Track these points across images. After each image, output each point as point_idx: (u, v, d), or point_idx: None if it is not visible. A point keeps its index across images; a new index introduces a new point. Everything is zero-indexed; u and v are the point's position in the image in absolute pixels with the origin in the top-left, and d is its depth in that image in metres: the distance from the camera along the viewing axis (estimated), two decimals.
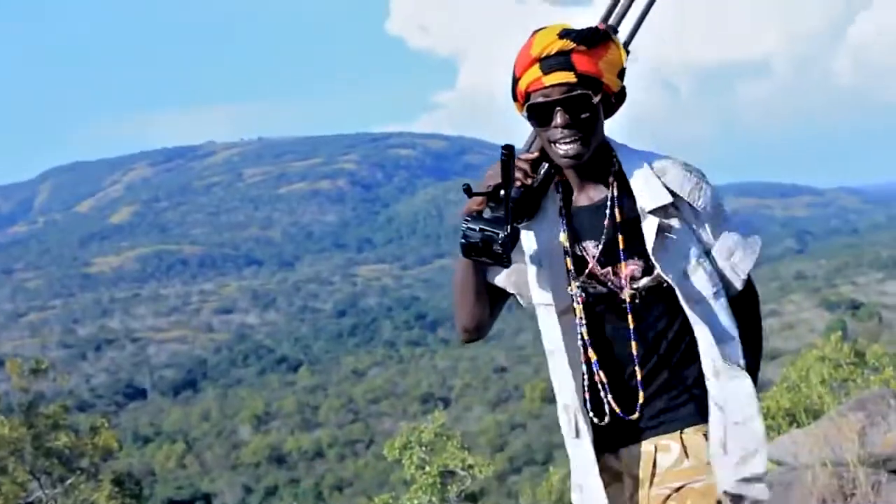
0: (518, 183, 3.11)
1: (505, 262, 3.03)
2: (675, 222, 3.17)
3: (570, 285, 3.21)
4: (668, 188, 3.15)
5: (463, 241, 3.02)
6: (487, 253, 3.00)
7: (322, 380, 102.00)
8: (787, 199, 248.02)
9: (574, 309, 3.21)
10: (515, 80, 3.15)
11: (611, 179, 3.19)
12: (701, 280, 3.18)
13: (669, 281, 3.15)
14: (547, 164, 3.21)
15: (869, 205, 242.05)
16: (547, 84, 3.07)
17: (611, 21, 3.36)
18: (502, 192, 3.03)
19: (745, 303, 3.30)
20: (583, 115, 3.07)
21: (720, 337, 3.17)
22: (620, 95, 3.18)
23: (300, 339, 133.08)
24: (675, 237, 3.17)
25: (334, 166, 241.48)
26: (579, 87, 3.06)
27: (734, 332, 3.20)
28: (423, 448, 18.78)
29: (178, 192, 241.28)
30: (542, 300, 3.25)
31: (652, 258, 3.14)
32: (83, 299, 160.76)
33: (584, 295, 3.20)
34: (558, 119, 3.07)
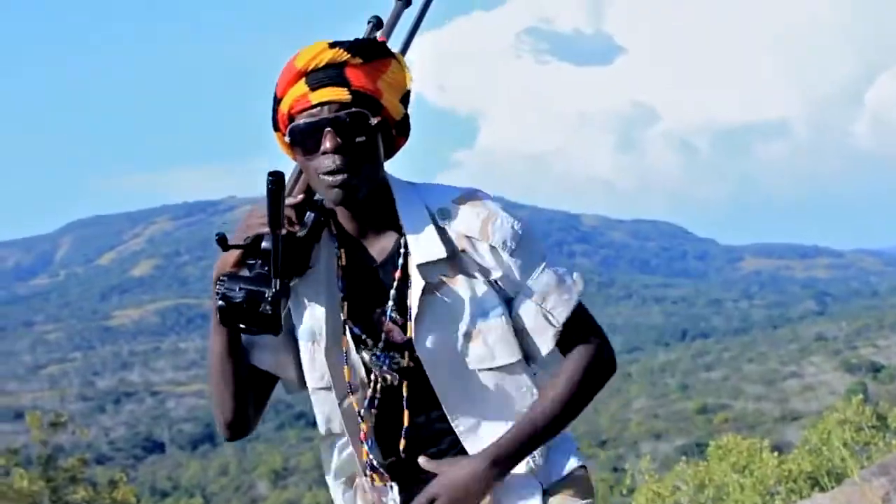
0: (283, 230, 2.47)
1: (275, 327, 2.44)
2: (457, 278, 2.60)
3: (356, 359, 2.65)
4: (451, 234, 2.60)
5: (221, 303, 2.43)
6: (253, 317, 2.42)
7: None
8: (808, 260, 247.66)
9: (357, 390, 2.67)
10: (277, 102, 2.58)
11: (400, 227, 2.62)
12: (487, 347, 2.61)
13: (420, 357, 2.59)
14: (315, 210, 2.63)
15: (889, 267, 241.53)
16: (315, 102, 2.50)
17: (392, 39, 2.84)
18: (264, 243, 2.49)
19: (580, 359, 2.64)
20: (358, 139, 2.50)
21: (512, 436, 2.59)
22: (403, 126, 2.63)
23: None
24: (448, 298, 2.59)
25: None
26: (354, 106, 2.50)
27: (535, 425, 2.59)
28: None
29: (198, 246, 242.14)
30: (314, 384, 2.69)
31: (410, 327, 2.59)
32: (103, 352, 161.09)
33: (382, 369, 2.64)
34: (327, 143, 2.48)
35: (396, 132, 2.62)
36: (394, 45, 2.75)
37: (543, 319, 2.61)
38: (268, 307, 2.41)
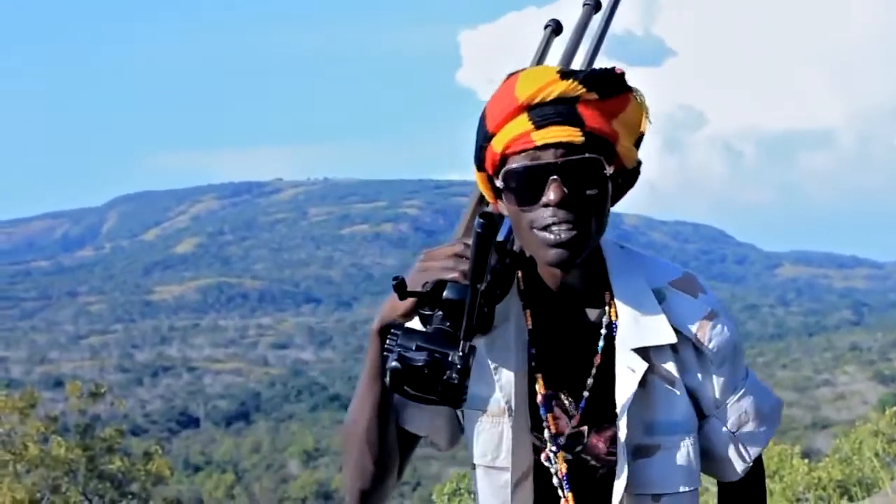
0: (458, 278, 1.99)
1: (458, 399, 1.92)
2: (666, 372, 2.16)
3: (540, 444, 2.19)
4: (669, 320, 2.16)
5: (396, 364, 1.92)
6: (432, 384, 1.91)
7: None
8: (846, 270, 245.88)
9: (533, 477, 2.22)
10: (487, 138, 2.10)
11: (606, 297, 2.17)
12: (666, 468, 2.17)
13: (619, 458, 2.14)
14: (508, 256, 2.11)
15: None
16: (539, 142, 2.02)
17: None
18: (445, 292, 1.98)
19: (746, 496, 2.29)
20: (589, 191, 2.03)
21: None
22: (632, 175, 2.15)
23: (353, 378, 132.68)
24: (658, 394, 2.16)
25: (397, 210, 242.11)
26: (587, 151, 2.02)
27: None
28: (473, 496, 18.60)
29: (242, 226, 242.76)
30: (487, 461, 2.22)
31: (619, 421, 2.13)
32: (143, 326, 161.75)
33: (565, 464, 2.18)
34: (552, 194, 2.01)
35: (623, 181, 2.14)
36: (579, 56, 2.33)
37: (734, 451, 2.23)
38: (454, 375, 1.90)
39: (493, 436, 2.20)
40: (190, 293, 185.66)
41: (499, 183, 2.09)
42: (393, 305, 2.06)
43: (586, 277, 2.16)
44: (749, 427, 2.22)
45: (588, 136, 2.02)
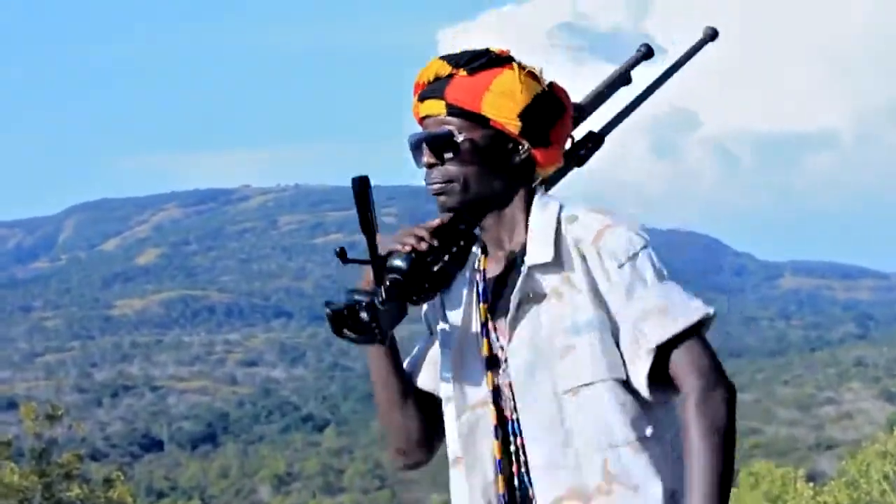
0: (408, 248, 2.58)
1: (373, 336, 2.54)
2: (563, 288, 2.56)
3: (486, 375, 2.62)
4: (569, 240, 2.58)
5: (326, 311, 2.54)
6: (355, 324, 2.52)
7: (349, 442, 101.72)
8: (850, 280, 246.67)
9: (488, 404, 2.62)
10: None
11: (523, 239, 2.64)
12: (581, 362, 2.53)
13: (512, 372, 2.57)
14: (461, 224, 2.69)
15: None
16: (421, 114, 2.66)
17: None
18: (391, 260, 2.58)
19: (694, 406, 2.48)
20: (446, 155, 2.59)
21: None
22: (535, 138, 2.62)
23: (328, 397, 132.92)
24: (549, 309, 2.57)
25: None
26: (450, 122, 2.60)
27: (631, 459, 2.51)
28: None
29: (208, 236, 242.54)
30: (445, 393, 2.67)
31: (507, 335, 2.59)
32: (103, 343, 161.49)
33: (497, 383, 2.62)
34: (423, 157, 2.63)
35: (531, 144, 2.62)
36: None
37: (635, 343, 2.51)
38: (365, 314, 2.50)
39: (446, 370, 2.67)
40: (152, 307, 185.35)
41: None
42: (364, 278, 2.60)
43: (512, 224, 2.63)
44: (651, 321, 2.49)
45: (450, 108, 2.59)
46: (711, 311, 2.55)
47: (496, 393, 2.61)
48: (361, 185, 2.51)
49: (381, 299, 2.50)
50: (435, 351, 2.73)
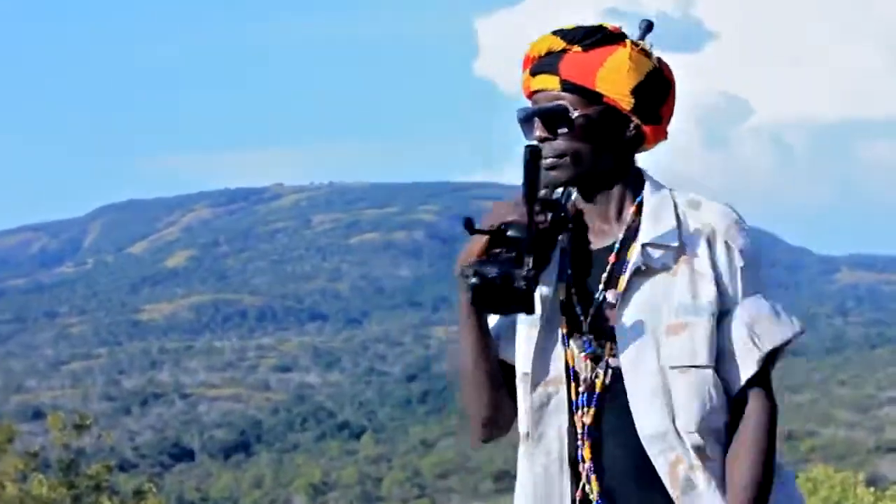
0: (518, 220, 2.72)
1: (530, 305, 2.63)
2: (680, 269, 2.76)
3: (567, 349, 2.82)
4: (693, 225, 2.78)
5: (475, 280, 2.62)
6: (507, 296, 2.61)
7: (387, 449, 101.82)
8: None
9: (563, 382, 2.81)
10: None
11: (631, 209, 2.84)
12: (691, 344, 2.73)
13: (618, 342, 2.75)
14: (558, 208, 2.85)
15: None
16: (533, 89, 2.83)
17: None
18: (510, 231, 2.71)
19: (751, 406, 2.76)
20: (560, 130, 2.75)
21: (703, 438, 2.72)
22: (646, 115, 2.81)
23: (364, 403, 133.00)
24: (662, 285, 2.76)
25: (411, 216, 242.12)
26: (563, 97, 2.77)
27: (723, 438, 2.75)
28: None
29: (239, 237, 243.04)
30: (523, 367, 2.84)
31: (614, 302, 2.77)
32: (131, 349, 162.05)
33: (589, 364, 2.80)
34: (536, 131, 2.78)
35: (642, 121, 2.80)
36: None
37: (750, 341, 2.72)
38: (521, 283, 2.58)
39: (527, 345, 2.81)
40: (182, 312, 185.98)
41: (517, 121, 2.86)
42: (469, 249, 2.74)
43: (616, 202, 2.83)
44: (764, 323, 2.74)
45: (564, 84, 2.76)
46: (803, 328, 2.80)
47: (571, 368, 2.79)
48: (533, 156, 2.61)
49: (528, 266, 2.60)
50: (513, 324, 2.85)
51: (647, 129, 2.81)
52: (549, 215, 2.80)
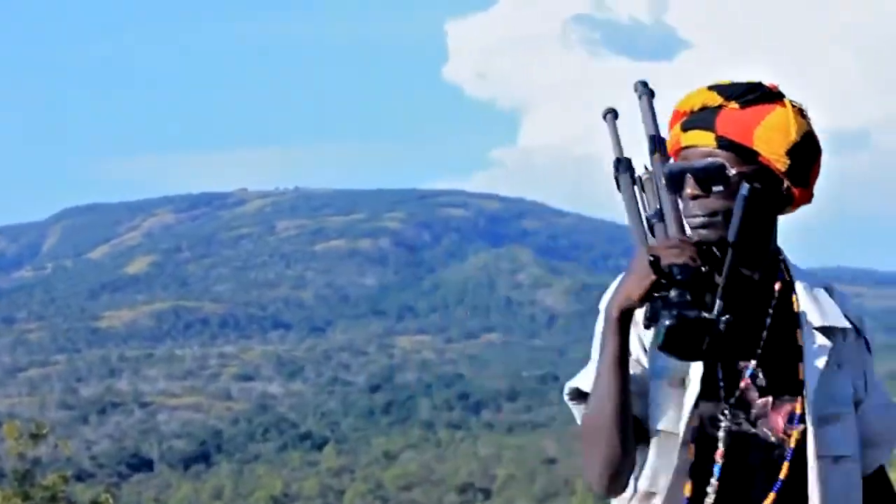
0: (696, 262, 2.61)
1: (722, 354, 2.62)
2: (840, 351, 2.81)
3: (718, 410, 2.77)
4: (846, 313, 2.85)
5: (671, 321, 2.50)
6: (700, 339, 2.51)
7: (349, 461, 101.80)
8: (883, 287, 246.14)
9: (693, 444, 2.76)
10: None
11: (777, 285, 2.82)
12: (846, 434, 2.79)
13: (808, 425, 2.75)
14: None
15: None
16: (684, 144, 2.78)
17: None
18: (679, 275, 2.57)
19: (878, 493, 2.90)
20: (715, 188, 2.70)
21: None
22: (796, 177, 2.78)
23: (327, 413, 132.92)
24: (836, 373, 2.80)
25: (377, 224, 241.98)
26: (720, 154, 2.72)
27: None
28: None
29: (202, 242, 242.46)
30: (665, 427, 2.77)
31: (806, 392, 2.76)
32: (90, 356, 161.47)
33: (730, 428, 2.77)
34: (687, 188, 2.72)
35: (792, 183, 2.77)
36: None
37: (886, 426, 2.85)
38: (723, 326, 2.49)
39: (672, 403, 2.73)
40: (143, 319, 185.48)
41: (649, 169, 2.79)
42: (628, 293, 2.62)
43: (756, 268, 2.79)
44: (889, 419, 2.85)
45: (720, 140, 2.71)
46: None
47: (702, 431, 2.75)
48: (752, 195, 2.61)
49: (719, 312, 2.52)
50: (640, 378, 2.77)
51: (796, 191, 2.79)
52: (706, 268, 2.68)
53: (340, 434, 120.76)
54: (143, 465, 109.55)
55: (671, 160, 2.80)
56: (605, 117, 2.84)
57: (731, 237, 2.60)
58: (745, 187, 2.60)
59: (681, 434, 2.72)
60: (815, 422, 2.73)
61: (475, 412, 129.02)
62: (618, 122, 2.87)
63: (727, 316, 2.51)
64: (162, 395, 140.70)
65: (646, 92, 2.82)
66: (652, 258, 2.56)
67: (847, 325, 2.80)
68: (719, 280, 2.63)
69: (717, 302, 2.52)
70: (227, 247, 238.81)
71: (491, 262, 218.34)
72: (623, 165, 2.81)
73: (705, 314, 2.49)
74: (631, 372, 2.71)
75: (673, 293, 2.54)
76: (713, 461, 2.73)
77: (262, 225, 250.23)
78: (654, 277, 2.57)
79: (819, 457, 2.73)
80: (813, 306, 2.80)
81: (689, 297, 2.53)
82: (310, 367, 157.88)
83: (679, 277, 2.55)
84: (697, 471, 2.74)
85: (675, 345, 2.49)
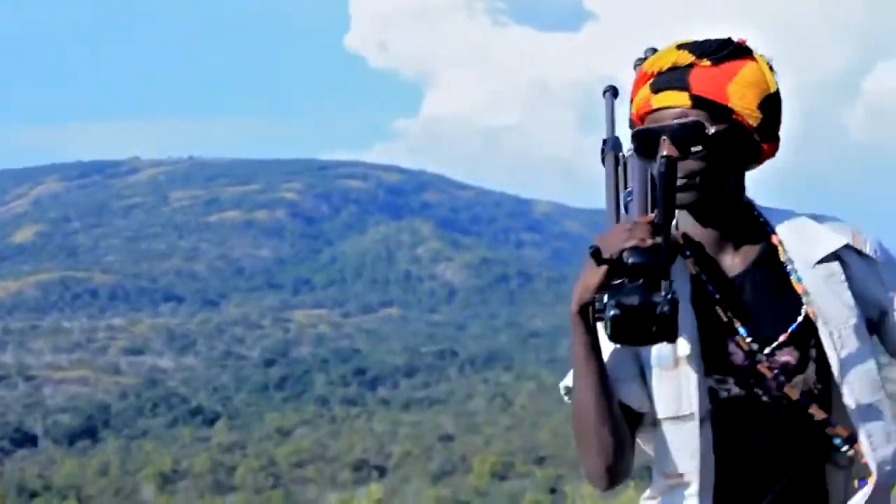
0: (648, 242, 2.54)
1: (673, 333, 2.47)
2: (837, 278, 2.78)
3: (717, 387, 2.76)
4: (830, 240, 2.80)
5: (615, 311, 2.46)
6: (649, 324, 2.46)
7: (241, 437, 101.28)
8: None
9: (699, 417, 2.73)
10: (630, 104, 2.83)
11: (758, 240, 2.81)
12: (862, 349, 2.76)
13: (828, 351, 2.73)
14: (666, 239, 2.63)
15: None
16: (655, 106, 2.73)
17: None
18: (631, 259, 2.51)
19: None
20: (693, 148, 2.67)
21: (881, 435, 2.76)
22: (765, 132, 2.76)
23: (219, 388, 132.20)
24: (837, 296, 2.76)
25: (273, 195, 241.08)
26: (694, 113, 2.69)
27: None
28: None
29: (92, 212, 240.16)
30: (671, 412, 2.73)
31: (819, 326, 2.74)
32: None
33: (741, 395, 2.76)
34: (663, 150, 2.65)
35: (760, 137, 2.77)
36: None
37: None
38: (666, 307, 2.44)
39: (673, 386, 2.72)
40: (28, 290, 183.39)
41: (630, 143, 2.77)
42: (584, 285, 2.57)
43: (734, 224, 2.80)
44: None
45: (695, 99, 2.68)
46: None
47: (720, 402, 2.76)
48: (671, 169, 2.50)
49: (669, 292, 2.46)
50: (628, 364, 2.76)
51: (765, 146, 2.80)
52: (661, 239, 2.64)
53: (233, 409, 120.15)
54: (27, 440, 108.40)
55: (642, 123, 2.79)
56: (604, 94, 2.84)
57: (658, 219, 2.51)
58: (661, 163, 2.47)
59: (696, 413, 2.70)
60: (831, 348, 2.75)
61: (371, 388, 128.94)
62: (616, 100, 2.88)
63: (669, 295, 2.45)
64: (48, 368, 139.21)
65: (609, 91, 2.82)
66: (592, 248, 2.53)
67: (839, 244, 2.78)
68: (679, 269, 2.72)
69: (663, 283, 2.46)
70: (118, 216, 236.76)
71: (391, 235, 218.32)
72: (609, 145, 2.79)
73: (653, 297, 2.45)
74: (615, 360, 2.73)
75: (625, 280, 2.52)
76: (736, 434, 2.76)
77: (154, 195, 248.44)
78: (605, 267, 2.55)
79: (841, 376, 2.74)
80: (800, 245, 2.80)
81: (642, 280, 2.49)
82: (202, 341, 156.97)
83: (630, 262, 2.52)
84: (722, 447, 2.75)
85: (623, 334, 2.48)
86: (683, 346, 2.69)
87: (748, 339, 2.74)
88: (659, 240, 2.52)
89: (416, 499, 72.54)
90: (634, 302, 2.44)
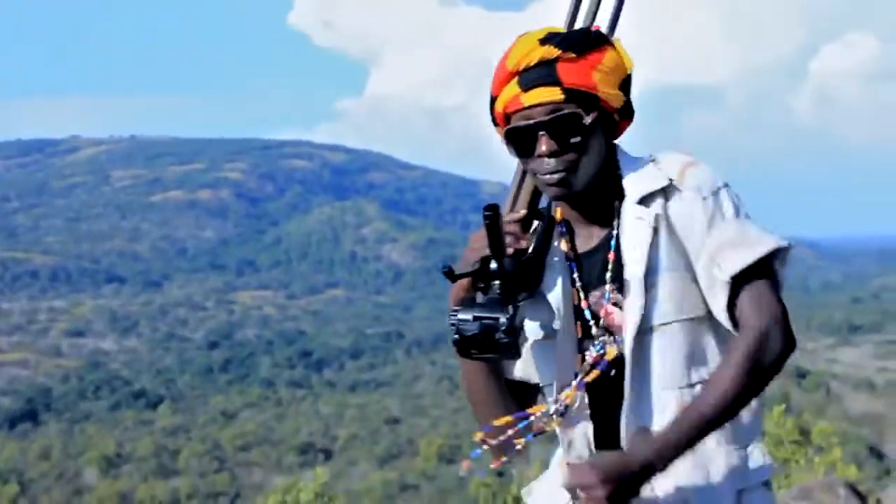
0: (510, 250, 2.79)
1: (514, 354, 2.72)
2: (658, 215, 2.82)
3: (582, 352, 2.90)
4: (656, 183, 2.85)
5: (456, 336, 2.69)
6: (489, 346, 2.69)
7: (185, 420, 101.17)
8: None
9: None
10: (493, 100, 2.89)
11: (617, 205, 2.88)
12: (664, 297, 2.81)
13: (623, 303, 2.83)
14: (541, 219, 2.93)
15: (824, 260, 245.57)
16: (527, 104, 2.80)
17: (581, 21, 3.04)
18: (493, 265, 2.74)
19: (746, 339, 2.72)
20: (573, 140, 2.78)
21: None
22: (625, 111, 2.89)
23: (163, 371, 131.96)
24: (655, 239, 2.82)
25: (217, 174, 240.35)
26: (567, 106, 2.78)
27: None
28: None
29: (32, 191, 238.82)
30: (546, 379, 2.96)
31: (632, 267, 2.82)
32: None
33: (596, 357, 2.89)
34: (543, 147, 2.78)
35: (619, 117, 2.89)
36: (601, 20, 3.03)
37: (712, 275, 2.78)
38: (503, 336, 2.67)
39: (545, 356, 2.92)
40: None
41: (502, 140, 2.87)
42: (455, 292, 2.81)
43: (597, 199, 2.88)
44: (727, 250, 2.76)
45: (567, 92, 2.77)
46: (786, 243, 2.79)
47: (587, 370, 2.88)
48: (494, 216, 2.65)
49: (508, 316, 2.67)
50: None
51: (623, 124, 2.93)
52: (538, 227, 2.91)
53: (176, 392, 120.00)
54: None
55: (512, 120, 2.86)
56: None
57: (494, 258, 2.72)
58: (485, 214, 2.64)
59: (555, 384, 2.89)
60: (631, 295, 2.80)
61: (317, 370, 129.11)
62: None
63: (508, 323, 2.66)
64: None
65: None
66: (445, 268, 2.73)
67: (661, 183, 2.82)
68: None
69: (504, 311, 2.69)
70: (58, 196, 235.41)
71: (336, 216, 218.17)
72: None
73: (499, 318, 2.67)
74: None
75: (490, 286, 2.76)
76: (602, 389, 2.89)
77: (95, 174, 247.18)
78: (459, 282, 2.80)
79: (637, 334, 2.79)
80: (633, 184, 2.86)
81: (499, 293, 2.73)
82: (145, 323, 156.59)
83: (492, 268, 2.75)
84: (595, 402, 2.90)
85: (467, 353, 2.72)
86: (549, 321, 2.89)
87: (586, 310, 2.88)
88: (523, 244, 2.83)
89: (362, 482, 72.78)
90: (472, 331, 2.66)
